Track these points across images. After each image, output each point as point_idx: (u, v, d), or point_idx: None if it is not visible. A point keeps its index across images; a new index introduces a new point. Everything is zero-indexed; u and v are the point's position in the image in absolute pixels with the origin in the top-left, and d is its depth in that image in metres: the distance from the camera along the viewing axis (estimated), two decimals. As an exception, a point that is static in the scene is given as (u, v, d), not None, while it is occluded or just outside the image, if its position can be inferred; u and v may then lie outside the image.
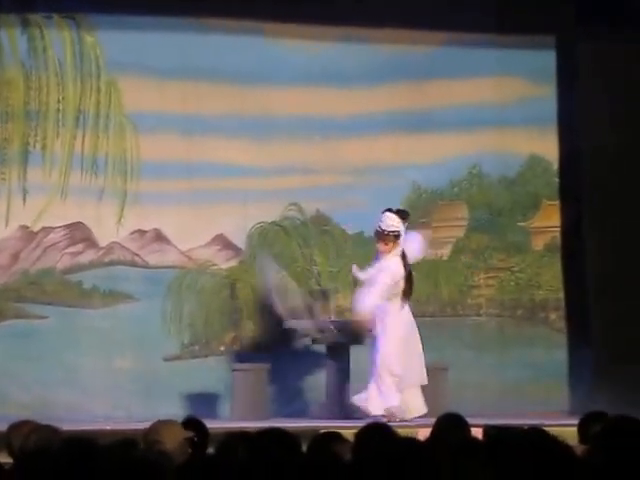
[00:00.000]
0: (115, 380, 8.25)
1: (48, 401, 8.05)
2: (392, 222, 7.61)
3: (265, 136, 8.68)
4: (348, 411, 7.54)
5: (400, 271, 7.62)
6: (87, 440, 3.17)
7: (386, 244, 7.62)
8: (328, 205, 8.83)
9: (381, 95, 8.88)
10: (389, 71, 8.89)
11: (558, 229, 9.24)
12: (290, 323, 8.46)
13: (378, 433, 3.47)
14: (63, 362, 8.21)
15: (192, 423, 4.13)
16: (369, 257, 9.01)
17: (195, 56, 8.60)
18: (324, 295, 8.26)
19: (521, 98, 9.12)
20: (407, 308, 7.71)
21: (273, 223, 8.77)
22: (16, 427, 4.12)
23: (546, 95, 9.17)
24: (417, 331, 7.73)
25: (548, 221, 9.25)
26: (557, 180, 9.28)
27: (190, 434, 3.91)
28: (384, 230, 7.60)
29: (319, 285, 8.77)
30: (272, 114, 8.71)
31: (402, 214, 7.69)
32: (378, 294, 7.54)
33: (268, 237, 8.75)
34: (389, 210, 7.69)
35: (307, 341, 8.27)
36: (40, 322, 8.32)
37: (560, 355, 9.09)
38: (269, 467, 2.36)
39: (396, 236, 7.60)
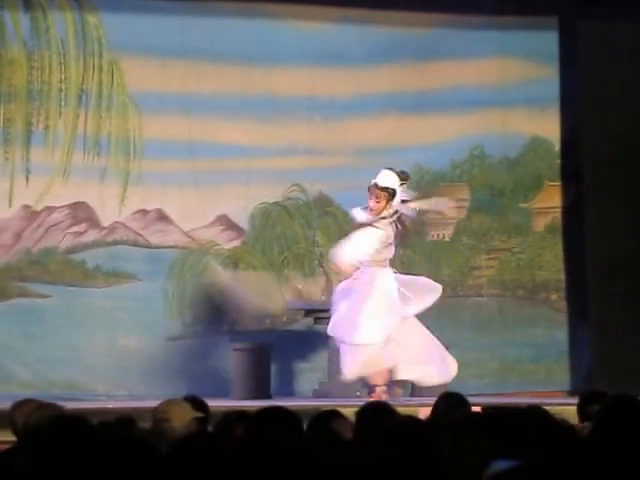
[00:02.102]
0: (117, 359, 8.29)
1: (51, 380, 8.10)
2: (388, 179, 6.91)
3: (267, 116, 8.68)
4: (349, 391, 7.58)
5: (387, 235, 6.92)
6: (78, 417, 3.20)
7: (378, 201, 6.89)
8: (330, 186, 8.84)
9: (383, 76, 8.87)
10: (391, 52, 8.88)
11: (559, 210, 9.25)
12: (292, 303, 8.49)
13: (379, 412, 3.50)
14: (66, 341, 8.24)
15: (193, 402, 4.15)
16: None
17: (197, 36, 8.59)
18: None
19: (523, 79, 9.11)
20: (395, 284, 6.91)
21: (275, 204, 8.78)
22: (19, 405, 4.15)
23: (548, 76, 9.17)
24: (412, 319, 7.04)
25: (549, 202, 9.26)
26: (559, 161, 9.29)
27: (199, 414, 3.93)
28: (376, 184, 6.91)
29: (321, 266, 8.79)
30: (274, 94, 8.71)
31: (402, 175, 6.99)
32: (354, 250, 6.88)
33: (270, 218, 8.76)
34: (389, 168, 7.06)
35: (309, 321, 8.30)
36: (43, 301, 8.36)
37: (560, 335, 9.12)
38: (267, 446, 2.39)
39: (390, 194, 6.89)
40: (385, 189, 6.92)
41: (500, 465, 2.65)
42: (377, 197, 6.93)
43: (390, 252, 7.01)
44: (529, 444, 2.79)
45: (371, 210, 6.96)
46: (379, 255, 6.95)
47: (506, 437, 2.81)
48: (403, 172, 7.06)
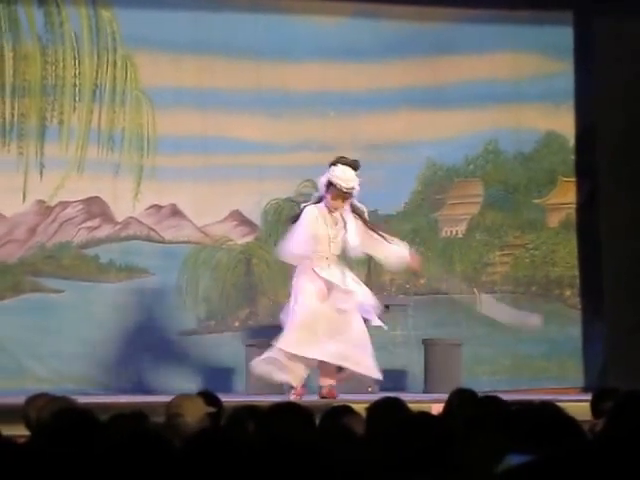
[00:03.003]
0: (130, 354, 8.31)
1: (64, 374, 8.12)
2: (352, 179, 6.71)
3: (280, 112, 8.68)
4: (361, 386, 7.57)
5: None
6: (90, 411, 3.20)
7: (345, 200, 6.74)
8: (343, 181, 8.82)
9: (396, 71, 8.85)
10: (404, 47, 8.87)
11: (574, 206, 9.22)
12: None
13: (390, 407, 3.49)
14: (79, 336, 8.26)
15: (207, 397, 4.15)
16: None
17: (210, 31, 8.59)
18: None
19: (537, 74, 9.08)
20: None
21: (288, 199, 8.78)
22: (32, 400, 4.16)
23: (562, 71, 9.13)
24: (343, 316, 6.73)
25: (564, 198, 9.23)
26: (573, 157, 9.26)
27: (211, 409, 3.94)
28: (345, 189, 6.68)
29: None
30: (287, 90, 8.71)
31: (356, 165, 6.78)
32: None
33: (283, 213, 8.76)
34: (344, 163, 6.74)
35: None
36: (56, 296, 8.38)
37: (574, 331, 9.09)
38: (278, 441, 2.39)
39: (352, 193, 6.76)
40: (353, 190, 6.79)
41: (513, 460, 2.64)
42: (345, 199, 6.80)
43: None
44: (542, 439, 2.79)
45: (338, 209, 6.82)
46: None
47: (519, 432, 2.80)
48: (356, 162, 6.82)
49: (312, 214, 6.82)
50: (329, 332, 6.74)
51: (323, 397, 6.75)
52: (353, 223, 6.90)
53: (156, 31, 8.49)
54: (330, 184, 6.79)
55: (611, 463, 2.22)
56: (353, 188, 6.79)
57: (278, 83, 8.69)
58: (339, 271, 6.86)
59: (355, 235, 6.89)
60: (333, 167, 6.81)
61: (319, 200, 6.90)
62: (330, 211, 6.85)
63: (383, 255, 7.02)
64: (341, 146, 8.70)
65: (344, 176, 6.76)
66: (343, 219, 6.89)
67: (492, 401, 3.72)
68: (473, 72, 8.97)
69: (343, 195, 6.78)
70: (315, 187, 8.87)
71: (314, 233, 6.80)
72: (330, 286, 6.81)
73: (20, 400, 4.36)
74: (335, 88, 8.77)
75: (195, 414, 3.82)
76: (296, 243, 6.82)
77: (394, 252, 6.98)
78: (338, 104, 8.78)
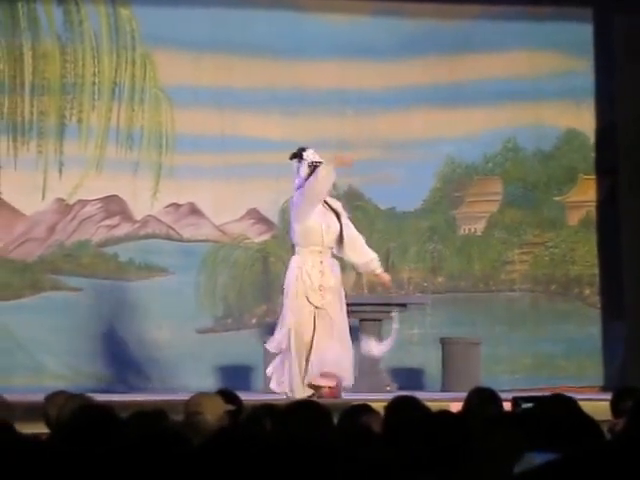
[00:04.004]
0: (149, 352, 8.33)
1: (83, 372, 8.14)
2: (314, 155, 6.70)
3: (297, 110, 8.68)
4: (379, 385, 7.56)
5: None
6: (108, 408, 3.20)
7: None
8: (360, 180, 8.82)
9: (414, 68, 8.83)
10: (422, 44, 8.84)
11: (594, 204, 9.17)
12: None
13: (408, 406, 3.48)
14: (98, 333, 8.29)
15: (226, 395, 4.15)
16: (402, 233, 9.00)
17: (228, 30, 8.60)
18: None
19: (557, 71, 9.04)
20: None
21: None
22: (51, 397, 4.17)
23: (582, 68, 9.09)
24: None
25: (584, 196, 9.19)
26: (593, 154, 9.21)
27: (230, 407, 3.93)
28: (313, 161, 6.66)
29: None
30: (304, 88, 8.70)
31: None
32: None
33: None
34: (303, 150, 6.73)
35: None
36: (76, 294, 8.40)
37: (594, 330, 9.05)
38: (295, 439, 2.38)
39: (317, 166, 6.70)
40: (318, 162, 6.71)
41: (533, 457, 2.63)
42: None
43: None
44: (562, 436, 2.77)
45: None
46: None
47: (538, 429, 2.78)
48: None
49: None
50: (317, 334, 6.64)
51: (320, 397, 6.64)
52: (342, 208, 6.83)
53: (174, 29, 8.50)
54: (310, 166, 6.69)
55: (632, 463, 2.21)
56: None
57: (295, 81, 8.68)
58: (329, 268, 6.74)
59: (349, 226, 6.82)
60: (302, 154, 6.74)
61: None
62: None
63: (356, 260, 6.90)
64: (358, 144, 8.69)
65: (316, 154, 6.72)
66: (330, 206, 6.80)
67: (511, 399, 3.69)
68: (492, 69, 8.94)
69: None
70: (333, 186, 8.88)
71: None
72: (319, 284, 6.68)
73: (39, 397, 4.37)
74: (352, 86, 8.76)
75: (215, 412, 3.82)
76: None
77: (367, 263, 6.90)
78: (355, 102, 8.77)
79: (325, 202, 6.83)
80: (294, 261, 6.75)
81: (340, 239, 6.85)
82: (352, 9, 8.83)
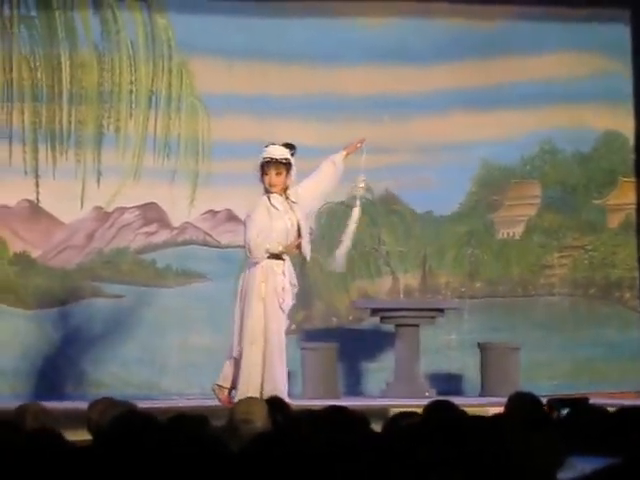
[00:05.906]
0: (189, 358, 8.36)
1: (125, 379, 8.19)
2: (280, 151, 6.45)
3: (333, 116, 8.69)
4: (417, 390, 7.54)
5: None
6: (149, 415, 3.22)
7: (279, 173, 6.44)
8: (396, 184, 8.81)
9: (450, 72, 8.81)
10: (458, 47, 8.82)
11: (634, 207, 9.09)
12: (359, 302, 8.48)
13: (445, 409, 3.47)
14: (139, 340, 8.34)
15: (274, 402, 4.15)
16: (439, 237, 8.97)
17: (263, 37, 8.63)
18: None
19: (594, 72, 8.98)
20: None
21: (341, 203, 8.78)
22: (94, 405, 4.20)
23: (620, 70, 9.02)
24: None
25: (624, 198, 9.11)
26: (633, 156, 9.13)
27: (279, 414, 3.92)
28: (273, 158, 6.41)
29: (387, 265, 8.76)
30: (339, 93, 8.71)
31: (290, 147, 6.55)
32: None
33: (336, 217, 8.76)
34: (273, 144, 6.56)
35: (375, 320, 8.28)
36: (116, 301, 8.46)
37: (634, 334, 8.96)
38: (333, 445, 2.38)
39: (287, 165, 6.46)
40: (284, 160, 6.47)
41: (576, 463, 2.60)
42: (278, 170, 6.46)
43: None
44: (604, 441, 2.75)
45: (274, 186, 6.51)
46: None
47: (580, 435, 2.76)
48: (289, 144, 6.59)
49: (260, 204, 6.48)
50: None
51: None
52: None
53: (210, 38, 8.55)
54: (260, 167, 6.51)
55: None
56: (272, 156, 6.46)
57: (330, 87, 8.69)
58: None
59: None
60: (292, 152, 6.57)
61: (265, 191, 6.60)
62: (271, 193, 6.53)
63: (325, 176, 6.72)
64: (394, 148, 8.68)
65: (265, 150, 6.54)
66: (289, 201, 6.58)
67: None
68: (527, 71, 8.89)
69: (268, 167, 6.46)
70: (368, 189, 8.89)
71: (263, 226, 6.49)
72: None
73: (82, 405, 4.40)
74: (387, 90, 8.75)
75: (263, 418, 3.81)
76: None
77: (326, 164, 6.70)
78: (391, 106, 8.76)
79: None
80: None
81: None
82: (387, 13, 8.82)
